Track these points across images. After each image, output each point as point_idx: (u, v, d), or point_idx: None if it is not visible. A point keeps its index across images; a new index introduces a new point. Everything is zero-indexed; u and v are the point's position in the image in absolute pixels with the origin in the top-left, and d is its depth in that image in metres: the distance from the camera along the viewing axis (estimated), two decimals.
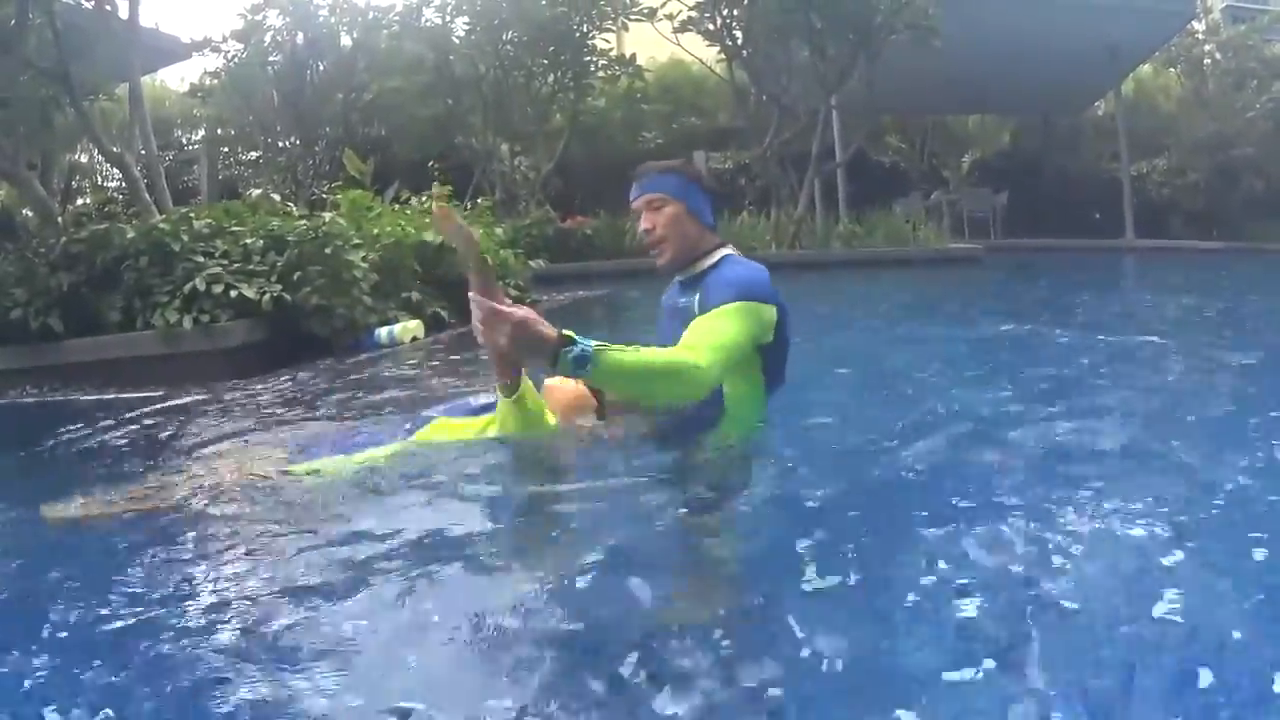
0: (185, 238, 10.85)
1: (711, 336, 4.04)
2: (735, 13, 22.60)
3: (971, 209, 28.90)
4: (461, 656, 2.59)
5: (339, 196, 14.48)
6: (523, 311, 3.33)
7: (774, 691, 2.38)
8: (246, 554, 3.38)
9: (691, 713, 2.28)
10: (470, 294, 3.53)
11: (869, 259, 21.07)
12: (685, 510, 3.82)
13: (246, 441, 5.41)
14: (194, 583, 3.19)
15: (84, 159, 29.00)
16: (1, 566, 3.70)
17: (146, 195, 14.54)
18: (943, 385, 6.57)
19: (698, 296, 4.35)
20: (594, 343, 3.40)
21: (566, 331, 3.36)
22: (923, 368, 7.25)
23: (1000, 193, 29.41)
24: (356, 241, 11.58)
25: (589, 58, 25.29)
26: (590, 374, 3.39)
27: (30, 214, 21.38)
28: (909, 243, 22.70)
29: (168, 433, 6.54)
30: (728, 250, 4.65)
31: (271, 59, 27.16)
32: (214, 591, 3.08)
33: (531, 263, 15.74)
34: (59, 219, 16.19)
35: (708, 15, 22.70)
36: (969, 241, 25.15)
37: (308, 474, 4.33)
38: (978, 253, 22.34)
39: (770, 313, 4.35)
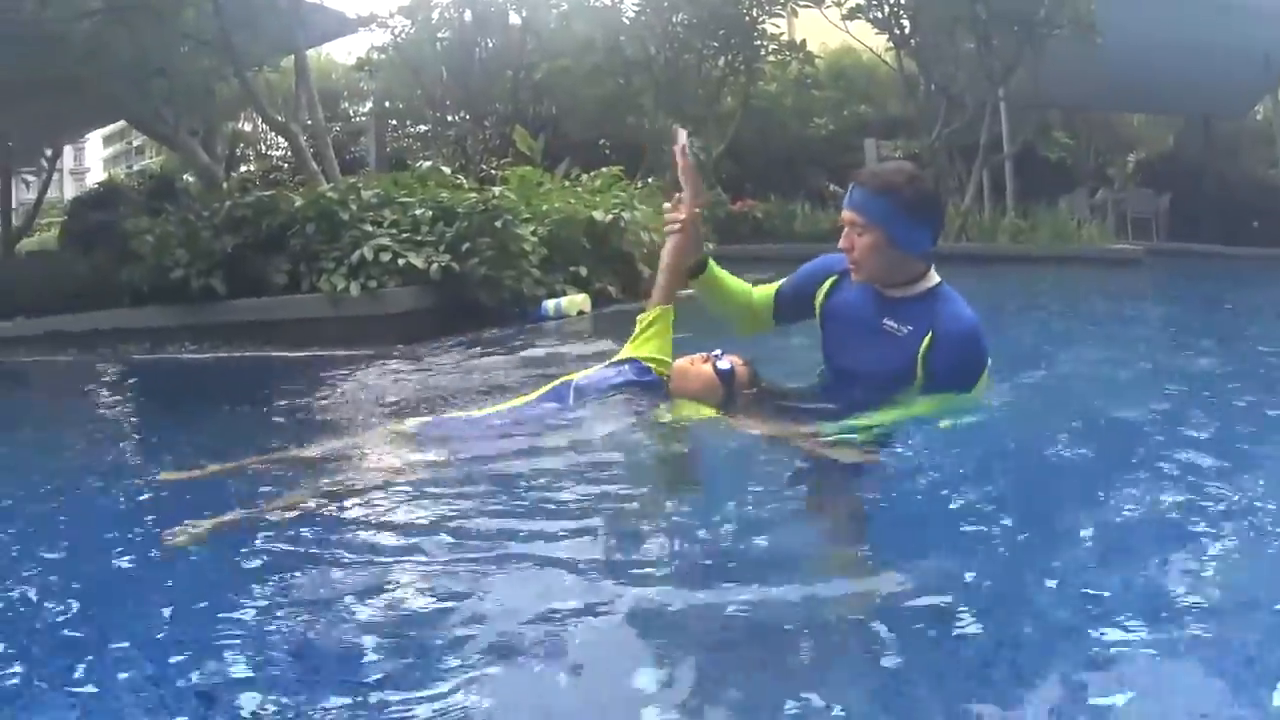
0: (354, 207, 11.09)
1: (959, 405, 4.37)
2: (903, 1, 22.34)
3: (1135, 210, 28.27)
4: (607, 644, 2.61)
5: (509, 172, 14.52)
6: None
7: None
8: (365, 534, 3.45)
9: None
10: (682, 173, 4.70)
11: (1031, 256, 20.54)
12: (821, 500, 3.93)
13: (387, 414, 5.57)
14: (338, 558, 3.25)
15: (247, 127, 29.42)
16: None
17: (314, 164, 14.70)
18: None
19: (927, 341, 4.31)
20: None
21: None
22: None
23: (1163, 195, 28.74)
24: (526, 216, 11.65)
25: (759, 42, 24.95)
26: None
27: (191, 179, 21.76)
28: (1073, 240, 22.19)
29: (328, 393, 6.79)
30: (936, 277, 4.50)
31: (439, 36, 27.45)
32: (354, 569, 3.15)
33: None
34: (223, 184, 16.39)
35: (875, 3, 22.46)
36: (1131, 242, 24.56)
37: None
38: (1139, 255, 21.69)
39: (989, 363, 4.48)
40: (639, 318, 4.96)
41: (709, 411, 4.54)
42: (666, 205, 4.83)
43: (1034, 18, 20.11)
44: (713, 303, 4.93)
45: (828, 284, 4.68)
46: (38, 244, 24.26)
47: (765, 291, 4.92)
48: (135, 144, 66.23)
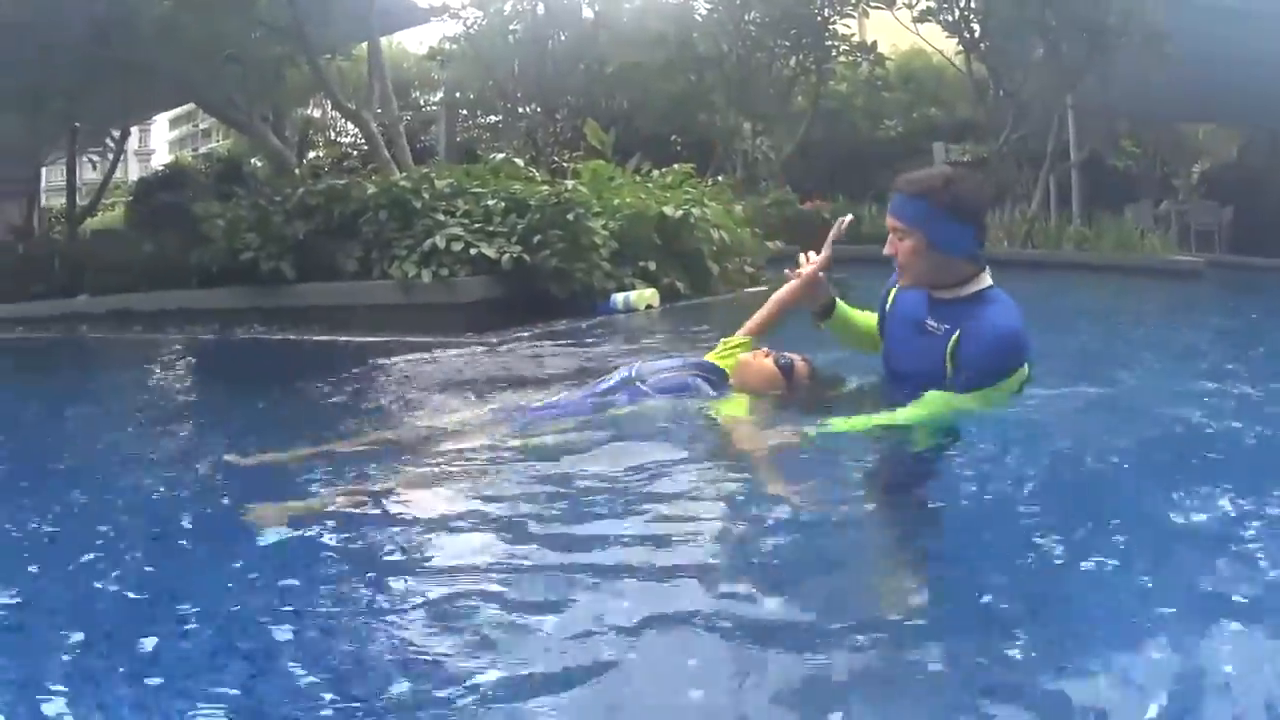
0: (426, 196, 11.22)
1: (978, 403, 4.32)
2: (974, 5, 22.33)
3: (1198, 222, 28.01)
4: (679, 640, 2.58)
5: (580, 165, 14.60)
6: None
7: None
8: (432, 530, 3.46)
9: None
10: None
11: (1094, 264, 20.45)
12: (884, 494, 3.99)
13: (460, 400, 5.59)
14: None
15: (316, 113, 29.53)
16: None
17: (386, 152, 14.80)
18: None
19: (955, 337, 4.35)
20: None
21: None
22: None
23: (1226, 207, 28.50)
24: (597, 210, 11.70)
25: (830, 42, 25.08)
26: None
27: (258, 163, 21.86)
28: (1136, 250, 22.08)
29: (397, 380, 6.80)
30: (987, 280, 4.51)
31: (511, 28, 27.51)
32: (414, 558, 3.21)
33: (769, 243, 15.44)
34: (295, 170, 16.47)
35: (946, 5, 22.48)
36: (1193, 254, 24.35)
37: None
38: (1200, 267, 21.46)
39: (1025, 371, 4.43)
40: (723, 339, 5.22)
41: (746, 409, 4.71)
42: (801, 256, 5.03)
43: (1103, 25, 19.99)
44: (844, 339, 5.17)
45: (891, 294, 4.81)
46: (101, 224, 24.49)
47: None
48: (202, 127, 66.94)
